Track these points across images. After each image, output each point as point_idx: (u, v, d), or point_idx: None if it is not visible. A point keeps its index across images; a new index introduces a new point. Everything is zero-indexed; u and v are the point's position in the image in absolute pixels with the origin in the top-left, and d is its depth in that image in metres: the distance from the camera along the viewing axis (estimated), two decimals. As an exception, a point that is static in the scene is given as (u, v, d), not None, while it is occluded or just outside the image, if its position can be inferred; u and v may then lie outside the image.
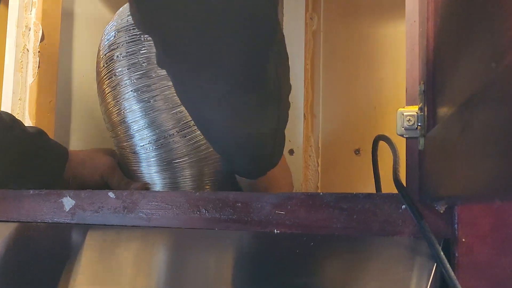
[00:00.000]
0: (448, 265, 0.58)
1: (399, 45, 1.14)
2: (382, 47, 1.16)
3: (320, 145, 1.19)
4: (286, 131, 1.19)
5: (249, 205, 0.76)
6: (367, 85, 1.16)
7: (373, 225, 0.69)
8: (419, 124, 0.66)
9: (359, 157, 1.15)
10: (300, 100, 1.19)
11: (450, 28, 0.55)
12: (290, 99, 1.19)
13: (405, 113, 0.68)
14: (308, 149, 1.19)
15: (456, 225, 0.63)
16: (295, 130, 1.19)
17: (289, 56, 1.21)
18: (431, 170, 0.60)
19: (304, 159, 1.18)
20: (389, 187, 1.00)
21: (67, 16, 1.15)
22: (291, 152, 1.18)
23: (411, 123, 0.68)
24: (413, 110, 0.68)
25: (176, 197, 0.82)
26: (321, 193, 0.73)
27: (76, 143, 1.17)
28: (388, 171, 0.95)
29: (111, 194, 0.87)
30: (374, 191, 1.02)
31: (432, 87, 0.60)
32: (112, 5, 1.29)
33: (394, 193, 0.69)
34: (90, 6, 1.23)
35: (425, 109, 0.62)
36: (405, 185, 0.68)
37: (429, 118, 0.60)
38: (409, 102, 0.69)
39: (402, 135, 0.69)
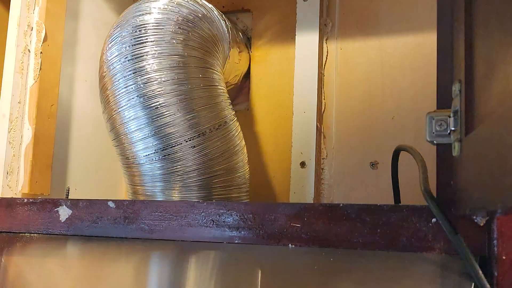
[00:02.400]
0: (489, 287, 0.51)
1: (419, 52, 1.08)
2: (401, 55, 1.10)
3: (333, 158, 1.13)
4: (297, 143, 1.14)
5: (261, 216, 0.70)
6: (385, 94, 1.10)
7: (399, 240, 0.63)
8: (453, 128, 0.59)
9: (375, 170, 1.08)
10: (312, 110, 1.13)
11: (493, 21, 0.49)
12: (302, 109, 1.14)
13: (435, 117, 0.62)
14: (320, 161, 1.13)
15: (495, 241, 0.56)
16: (307, 142, 1.12)
17: (302, 63, 1.16)
18: (468, 178, 0.53)
19: (316, 172, 1.11)
20: (410, 203, 0.93)
21: (71, 17, 1.10)
22: (302, 164, 1.12)
23: (443, 128, 0.61)
24: (445, 113, 0.62)
25: (181, 207, 0.75)
26: (341, 204, 0.66)
27: (76, 151, 1.11)
28: (406, 187, 0.88)
29: (110, 204, 0.80)
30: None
31: (471, 85, 0.53)
32: (117, 6, 1.24)
33: (423, 205, 0.62)
34: (95, 7, 1.18)
35: (462, 110, 0.55)
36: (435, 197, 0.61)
37: (467, 120, 0.53)
38: (440, 105, 0.63)
39: (432, 142, 0.63)
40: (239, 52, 1.18)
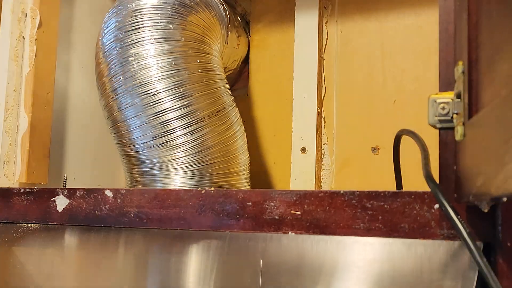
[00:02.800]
0: (493, 274, 0.50)
1: (421, 34, 1.06)
2: (402, 37, 1.08)
3: (334, 143, 1.11)
4: (297, 128, 1.12)
5: (261, 204, 0.68)
6: (386, 78, 1.08)
7: (401, 226, 0.61)
8: (456, 112, 0.58)
9: (377, 155, 1.07)
10: (312, 95, 1.11)
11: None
12: (302, 94, 1.12)
13: (438, 100, 0.60)
14: (321, 147, 1.11)
15: (500, 227, 0.55)
16: (307, 127, 1.11)
17: (302, 47, 1.14)
18: (471, 164, 0.52)
19: (317, 158, 1.10)
20: (412, 189, 0.92)
21: (67, 2, 1.08)
22: (303, 150, 1.10)
23: (446, 111, 0.60)
24: (448, 96, 0.60)
25: (179, 195, 0.74)
26: (341, 191, 0.65)
27: (73, 139, 1.09)
28: (408, 172, 0.87)
29: (108, 193, 0.79)
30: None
31: (475, 66, 0.52)
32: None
33: (425, 191, 0.61)
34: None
35: (465, 93, 0.54)
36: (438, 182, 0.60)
37: (470, 102, 0.52)
38: (443, 88, 0.61)
39: (434, 126, 0.61)
40: (238, 36, 1.16)
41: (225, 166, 0.94)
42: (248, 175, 1.00)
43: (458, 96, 0.57)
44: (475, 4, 0.53)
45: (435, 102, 0.60)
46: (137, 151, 0.93)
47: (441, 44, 0.61)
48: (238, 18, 1.20)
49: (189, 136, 0.90)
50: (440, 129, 0.61)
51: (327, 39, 1.14)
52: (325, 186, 1.10)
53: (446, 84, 0.60)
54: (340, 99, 1.11)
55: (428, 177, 0.61)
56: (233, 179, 0.96)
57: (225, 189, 0.75)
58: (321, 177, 1.10)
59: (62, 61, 1.07)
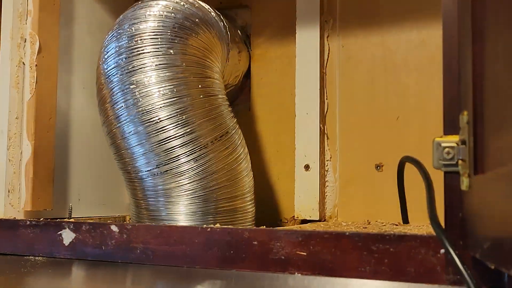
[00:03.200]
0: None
1: (424, 50, 1.05)
2: (405, 51, 1.07)
3: (338, 160, 1.11)
4: (300, 145, 1.12)
5: (266, 244, 0.69)
6: (388, 94, 1.08)
7: (407, 270, 0.62)
8: (461, 157, 0.58)
9: (380, 172, 1.07)
10: (315, 111, 1.11)
11: (505, 49, 0.46)
12: (304, 110, 1.11)
13: (442, 144, 0.60)
14: (325, 163, 1.11)
15: (506, 273, 0.55)
16: (311, 144, 1.10)
17: (303, 62, 1.13)
18: (477, 222, 0.52)
19: (321, 174, 1.10)
20: (414, 207, 0.92)
21: (65, 23, 1.07)
22: (306, 167, 1.10)
23: (450, 156, 0.60)
24: (453, 140, 0.60)
25: (185, 232, 0.74)
26: (347, 233, 0.65)
27: (77, 160, 1.09)
28: (412, 189, 0.87)
29: (114, 227, 0.79)
30: (398, 210, 0.94)
31: (480, 120, 0.51)
32: (112, 8, 1.20)
33: (430, 235, 0.61)
34: (90, 10, 1.15)
35: (471, 145, 0.53)
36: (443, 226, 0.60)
37: (476, 158, 0.51)
38: (448, 131, 0.61)
39: (439, 169, 0.61)
40: (239, 52, 1.15)
41: (230, 190, 0.95)
42: (253, 196, 1.01)
43: (463, 142, 0.57)
44: (481, 54, 0.52)
45: (440, 145, 0.60)
46: (141, 179, 0.93)
47: (445, 83, 0.61)
48: (239, 32, 1.19)
49: (193, 163, 0.90)
50: (445, 173, 0.61)
51: (328, 53, 1.13)
52: (330, 203, 1.10)
53: (450, 127, 0.60)
54: (343, 115, 1.11)
55: (434, 221, 0.61)
56: (238, 202, 0.96)
57: (230, 226, 0.76)
58: (325, 194, 1.11)
59: (63, 83, 1.06)
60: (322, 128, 1.11)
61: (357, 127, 1.10)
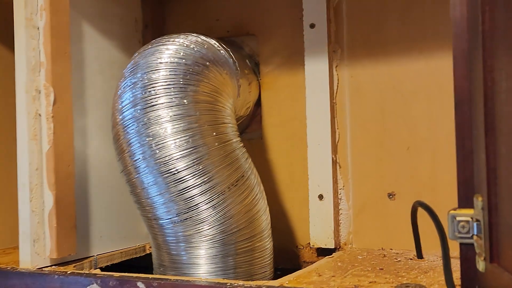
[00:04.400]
0: None
1: (432, 80, 1.06)
2: (414, 81, 1.08)
3: (350, 188, 1.13)
4: (313, 175, 1.14)
5: (289, 306, 0.72)
6: (398, 124, 1.09)
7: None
8: (476, 234, 0.60)
9: (393, 201, 1.09)
10: (326, 141, 1.13)
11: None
12: (316, 141, 1.13)
13: (457, 218, 0.62)
14: (337, 192, 1.14)
15: None
16: (324, 174, 1.13)
17: (313, 92, 1.15)
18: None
19: (334, 203, 1.12)
20: (427, 237, 0.94)
21: (77, 67, 1.08)
22: (320, 197, 1.13)
23: (465, 230, 0.62)
24: (467, 214, 0.62)
25: (210, 291, 0.78)
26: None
27: (96, 205, 1.12)
28: (425, 215, 0.89)
29: (140, 284, 0.83)
30: (411, 237, 0.97)
31: (496, 208, 0.53)
32: (121, 44, 1.21)
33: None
34: (100, 49, 1.16)
35: (486, 226, 0.56)
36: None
37: (491, 244, 0.54)
38: (462, 204, 0.63)
39: (455, 240, 0.63)
40: (249, 84, 1.17)
41: (248, 231, 0.98)
42: (270, 233, 1.04)
43: (478, 220, 0.59)
44: (493, 146, 0.54)
45: (455, 219, 0.62)
46: (162, 226, 0.96)
47: (459, 160, 0.63)
48: (247, 61, 1.21)
49: (211, 210, 0.93)
50: (460, 244, 0.63)
51: (338, 83, 1.14)
52: (344, 231, 1.13)
53: (464, 201, 0.62)
54: (354, 145, 1.13)
55: (451, 289, 0.64)
56: (256, 241, 0.99)
57: (251, 284, 0.79)
58: (340, 222, 1.14)
59: (78, 127, 1.08)
60: (334, 158, 1.13)
61: (368, 156, 1.12)
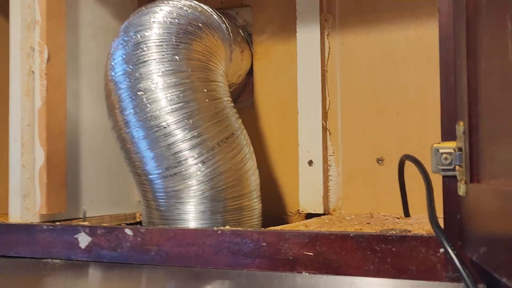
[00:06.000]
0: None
1: (422, 47, 1.08)
2: (404, 49, 1.10)
3: (340, 154, 1.14)
4: (303, 141, 1.15)
5: (275, 245, 0.72)
6: (388, 89, 1.11)
7: (409, 268, 0.66)
8: (458, 163, 0.61)
9: (382, 166, 1.10)
10: (317, 108, 1.14)
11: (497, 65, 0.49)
12: (307, 108, 1.15)
13: (440, 150, 0.63)
14: (327, 158, 1.15)
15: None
16: (313, 140, 1.14)
17: (304, 60, 1.16)
18: (473, 227, 0.55)
19: (324, 169, 1.13)
20: (415, 199, 0.95)
21: (72, 29, 1.09)
22: (310, 163, 1.14)
23: (448, 161, 0.63)
24: (450, 146, 0.63)
25: (196, 234, 0.78)
26: (351, 233, 0.69)
27: (88, 163, 1.13)
28: (412, 181, 0.90)
29: (128, 231, 0.83)
30: (399, 202, 0.97)
31: (476, 129, 0.54)
32: (116, 11, 1.22)
33: (431, 235, 0.65)
34: (95, 15, 1.17)
35: (467, 154, 0.57)
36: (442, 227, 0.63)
37: (472, 167, 0.55)
38: (445, 137, 0.64)
39: (438, 173, 0.64)
40: (241, 51, 1.18)
41: (237, 189, 0.98)
42: (259, 194, 1.04)
43: (460, 149, 0.60)
44: (476, 69, 0.55)
45: (438, 151, 0.63)
46: (151, 181, 0.96)
47: (442, 94, 0.64)
48: (240, 31, 1.22)
49: (201, 165, 0.94)
50: (443, 176, 0.64)
51: (329, 51, 1.15)
52: (333, 197, 1.14)
53: (447, 134, 0.63)
54: (344, 111, 1.14)
55: (433, 222, 0.64)
56: (245, 200, 1.00)
57: (239, 228, 0.79)
58: (329, 188, 1.14)
59: (71, 89, 1.09)
60: (324, 124, 1.14)
61: (358, 123, 1.13)
